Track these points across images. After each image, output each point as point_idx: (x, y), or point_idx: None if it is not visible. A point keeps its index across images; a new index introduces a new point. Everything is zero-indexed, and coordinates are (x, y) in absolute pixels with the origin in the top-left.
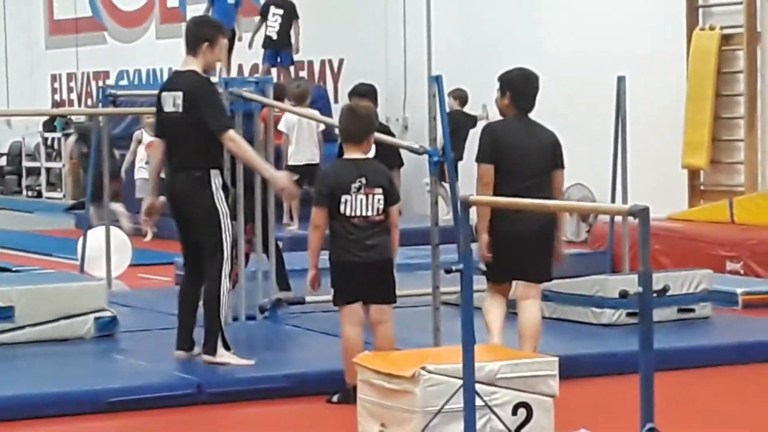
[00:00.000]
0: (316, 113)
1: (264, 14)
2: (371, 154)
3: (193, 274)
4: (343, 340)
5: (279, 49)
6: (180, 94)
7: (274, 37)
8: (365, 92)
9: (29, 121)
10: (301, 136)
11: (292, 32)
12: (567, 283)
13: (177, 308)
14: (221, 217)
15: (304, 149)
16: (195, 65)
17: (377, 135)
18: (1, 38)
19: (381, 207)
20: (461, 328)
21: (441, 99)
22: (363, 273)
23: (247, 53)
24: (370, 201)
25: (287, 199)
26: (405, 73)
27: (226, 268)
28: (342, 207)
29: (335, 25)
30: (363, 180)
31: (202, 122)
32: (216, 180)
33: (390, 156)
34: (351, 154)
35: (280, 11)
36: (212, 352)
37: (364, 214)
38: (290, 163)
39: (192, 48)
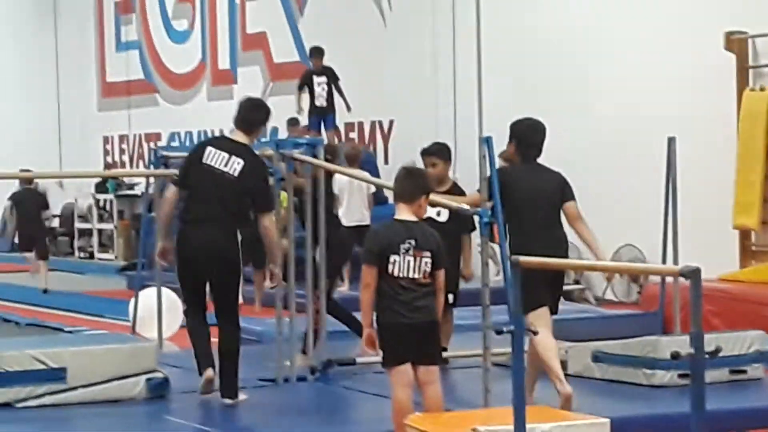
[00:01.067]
0: (366, 174)
1: (306, 84)
2: (444, 217)
3: (200, 313)
4: (394, 401)
5: (324, 115)
6: (240, 161)
7: (324, 104)
8: (436, 151)
9: (81, 183)
10: (352, 197)
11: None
12: (618, 344)
13: (195, 340)
14: (241, 270)
15: (354, 210)
16: (247, 141)
17: (432, 197)
18: (53, 100)
19: (428, 270)
20: (512, 389)
21: (491, 160)
22: (412, 334)
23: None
24: (417, 263)
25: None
26: (455, 134)
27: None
28: (390, 267)
29: (386, 86)
30: (412, 242)
31: (249, 194)
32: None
33: (462, 220)
34: (402, 215)
35: (324, 78)
36: (235, 395)
37: (411, 275)
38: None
39: (248, 127)
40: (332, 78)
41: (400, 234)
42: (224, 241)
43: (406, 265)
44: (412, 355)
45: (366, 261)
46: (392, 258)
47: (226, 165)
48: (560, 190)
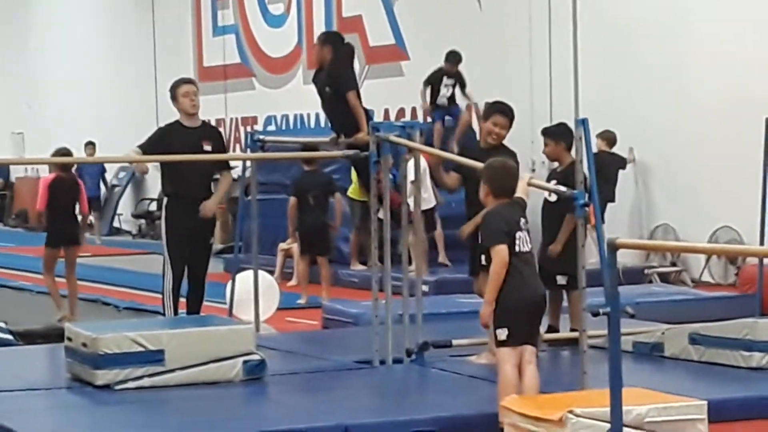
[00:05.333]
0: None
1: (433, 83)
2: (554, 198)
3: None
4: (504, 379)
5: (448, 110)
6: None
7: (446, 104)
8: (546, 131)
9: None
10: (425, 180)
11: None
12: (715, 327)
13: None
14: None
15: (427, 195)
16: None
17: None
18: (152, 86)
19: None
20: (609, 371)
21: (587, 142)
22: (534, 311)
23: (400, 97)
24: (528, 237)
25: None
26: (551, 116)
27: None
28: (517, 243)
29: (481, 70)
30: (524, 218)
31: None
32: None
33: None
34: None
35: (452, 81)
36: None
37: (526, 249)
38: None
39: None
40: (460, 83)
41: (516, 211)
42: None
43: (525, 240)
44: (530, 335)
45: (499, 240)
46: (518, 234)
47: None
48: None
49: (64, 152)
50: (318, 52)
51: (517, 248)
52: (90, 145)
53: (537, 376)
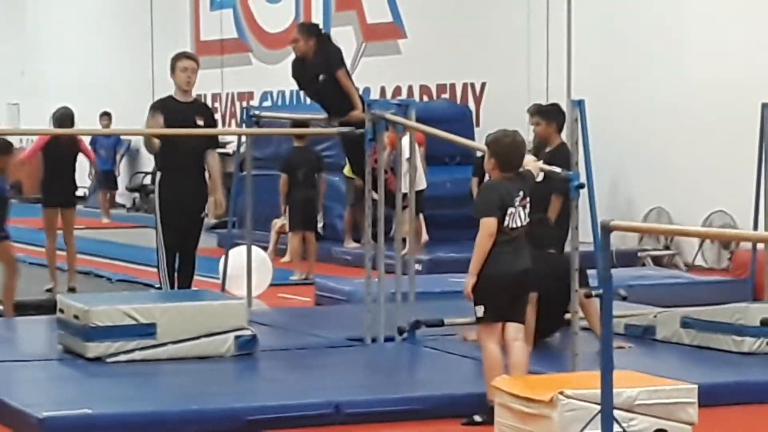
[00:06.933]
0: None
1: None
2: (540, 177)
3: None
4: (488, 357)
5: None
6: None
7: None
8: (538, 111)
9: None
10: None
11: None
12: (708, 311)
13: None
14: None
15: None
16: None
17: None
18: (148, 59)
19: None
20: (600, 353)
21: (583, 123)
22: (516, 286)
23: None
24: (524, 212)
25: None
26: (547, 97)
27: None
28: (507, 219)
29: (478, 48)
30: (522, 192)
31: None
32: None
33: (556, 181)
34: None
35: None
36: None
37: (518, 225)
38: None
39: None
40: None
41: (514, 187)
42: None
43: (518, 215)
44: (509, 311)
45: (489, 213)
46: (509, 210)
47: None
48: None
49: (65, 114)
50: (303, 46)
51: (505, 223)
52: (105, 116)
53: (524, 352)
